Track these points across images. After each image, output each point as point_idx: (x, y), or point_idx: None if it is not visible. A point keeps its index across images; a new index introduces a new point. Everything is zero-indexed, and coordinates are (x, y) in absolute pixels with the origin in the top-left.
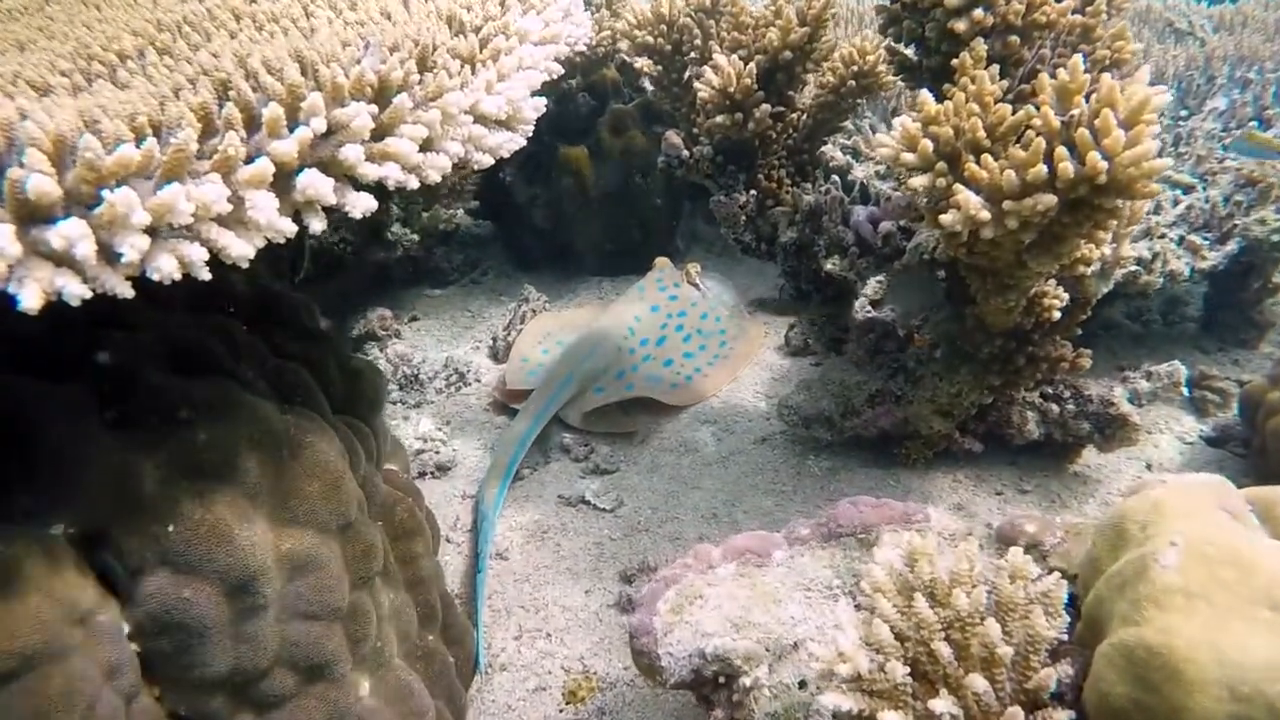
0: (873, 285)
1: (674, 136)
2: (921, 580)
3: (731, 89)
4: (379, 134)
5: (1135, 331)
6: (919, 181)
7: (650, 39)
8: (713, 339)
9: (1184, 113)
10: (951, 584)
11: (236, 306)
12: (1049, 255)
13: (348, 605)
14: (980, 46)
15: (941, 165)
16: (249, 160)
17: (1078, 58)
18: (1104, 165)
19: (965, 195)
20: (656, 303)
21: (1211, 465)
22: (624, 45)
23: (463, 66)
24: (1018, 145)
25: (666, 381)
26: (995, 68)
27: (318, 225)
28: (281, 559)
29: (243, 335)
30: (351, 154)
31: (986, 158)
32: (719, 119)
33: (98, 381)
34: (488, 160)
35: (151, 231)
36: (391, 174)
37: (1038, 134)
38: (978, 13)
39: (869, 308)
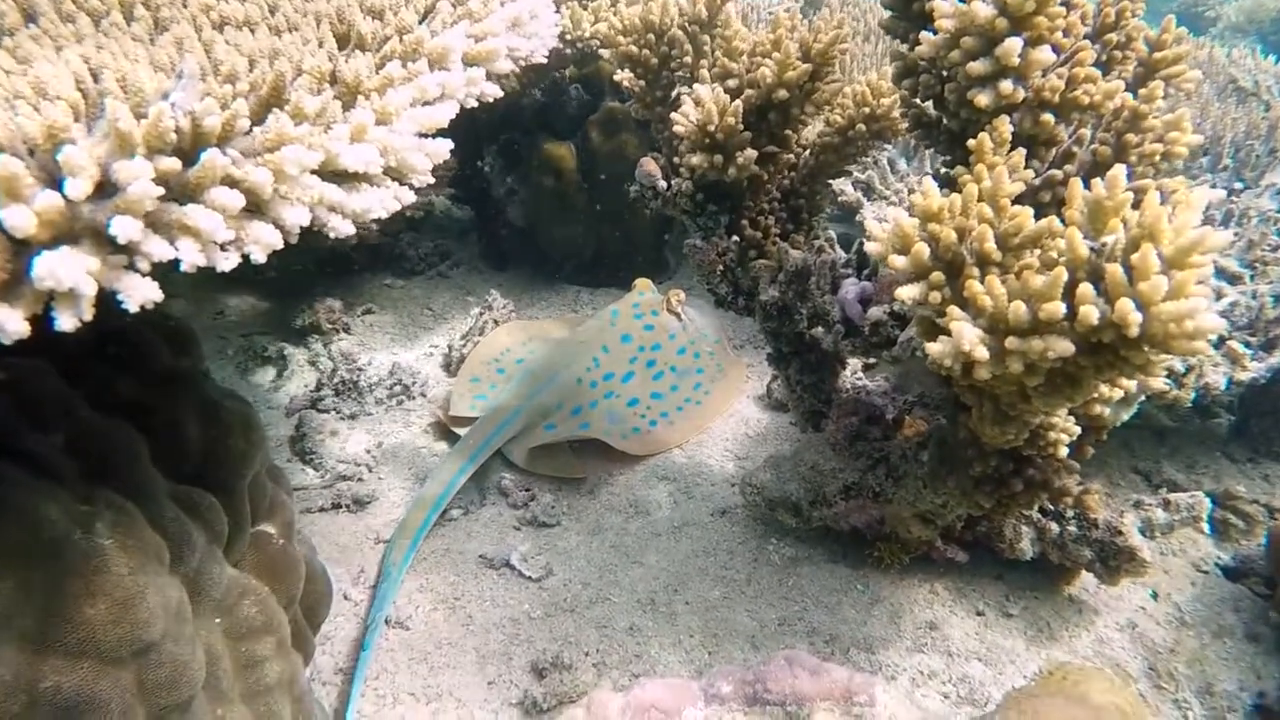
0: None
1: (651, 164)
2: None
3: (712, 127)
4: (183, 194)
5: (1160, 425)
6: (909, 292)
7: (635, 49)
8: (687, 380)
9: (1239, 185)
10: None
11: (60, 345)
12: (1059, 397)
13: None
14: (1004, 127)
15: (938, 275)
16: None
17: (1119, 170)
18: (1136, 317)
19: (960, 326)
20: (629, 331)
21: (1227, 604)
22: (606, 54)
23: (338, 100)
24: (1035, 264)
25: (628, 424)
26: (1021, 152)
27: (67, 323)
28: (39, 699)
29: (49, 388)
30: (125, 229)
31: (993, 278)
32: (696, 158)
33: None
34: (347, 228)
35: None
36: (186, 255)
37: (1059, 259)
38: (1005, 85)
39: (860, 373)
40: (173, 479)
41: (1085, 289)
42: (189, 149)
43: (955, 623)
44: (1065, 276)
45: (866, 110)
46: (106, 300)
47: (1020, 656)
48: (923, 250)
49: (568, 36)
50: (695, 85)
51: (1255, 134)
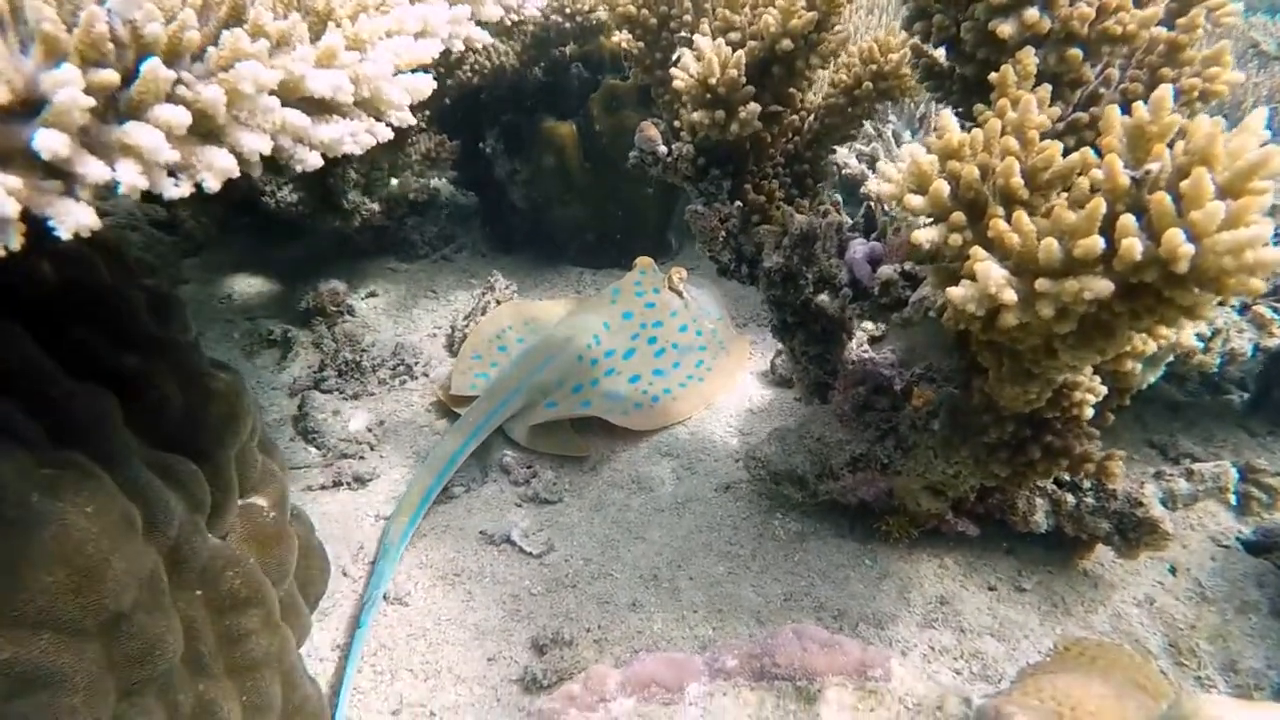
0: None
1: (650, 128)
2: None
3: (714, 80)
4: (126, 113)
5: (1173, 399)
6: (927, 235)
7: (633, 9)
8: (689, 356)
9: None
10: None
11: (38, 303)
12: (1090, 349)
13: None
14: (1029, 59)
15: (959, 216)
16: None
17: (1166, 90)
18: (1188, 249)
19: (985, 266)
20: (630, 309)
21: (1250, 579)
22: (603, 14)
23: (307, 26)
24: (1065, 200)
25: (629, 400)
26: (1046, 88)
27: None
28: None
29: (16, 350)
30: (50, 143)
31: (1021, 214)
32: (697, 115)
33: None
34: (315, 160)
35: None
36: (124, 176)
37: (1095, 190)
38: (1030, 13)
39: (866, 346)
40: (153, 447)
41: (1126, 221)
42: (133, 65)
43: (967, 598)
44: (1103, 209)
45: (874, 68)
46: (86, 259)
47: (1034, 632)
48: (942, 188)
49: (567, 10)
50: (695, 37)
51: (1278, 98)
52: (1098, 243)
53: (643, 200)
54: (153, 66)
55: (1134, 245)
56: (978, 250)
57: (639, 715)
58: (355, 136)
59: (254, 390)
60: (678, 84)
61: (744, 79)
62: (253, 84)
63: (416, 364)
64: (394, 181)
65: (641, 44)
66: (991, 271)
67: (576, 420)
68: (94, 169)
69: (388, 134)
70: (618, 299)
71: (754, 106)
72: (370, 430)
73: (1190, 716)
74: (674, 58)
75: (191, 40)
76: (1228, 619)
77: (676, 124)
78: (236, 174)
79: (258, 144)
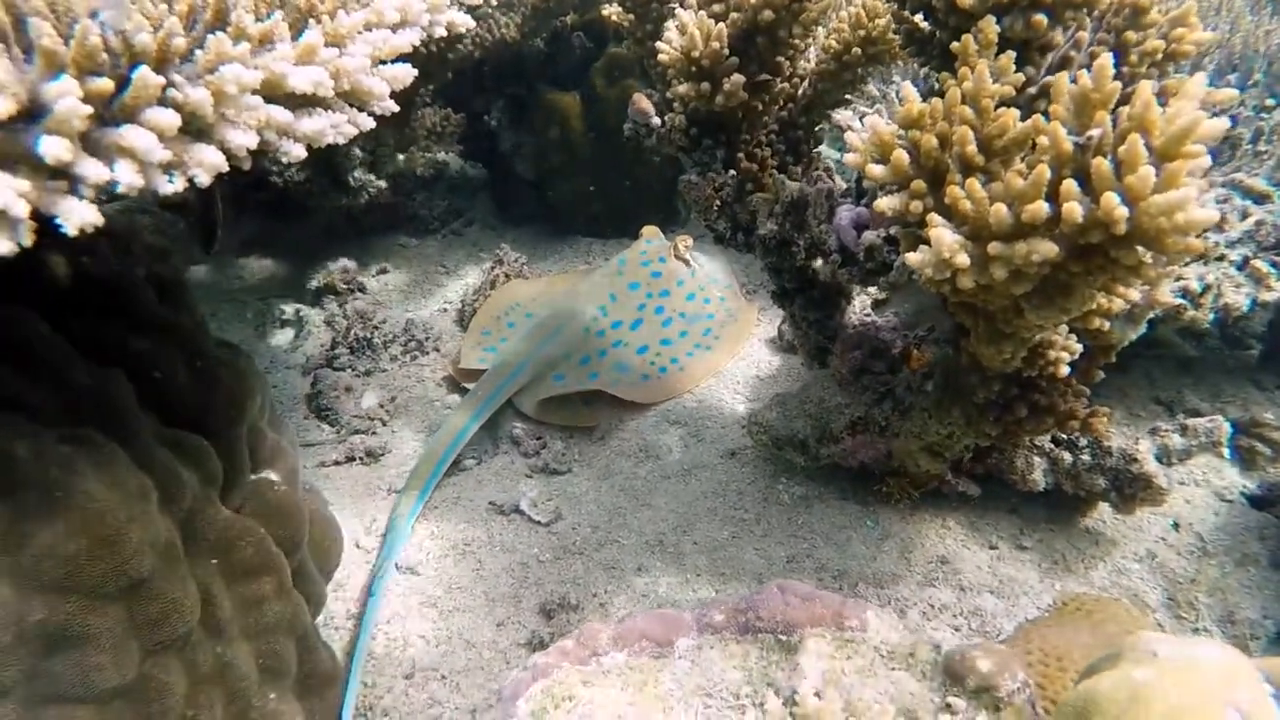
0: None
1: (643, 100)
2: None
3: (697, 53)
4: (121, 117)
5: (1183, 355)
6: (889, 203)
7: None
8: (696, 325)
9: (1270, 101)
10: None
11: (53, 292)
12: (1053, 308)
13: (132, 680)
14: (990, 27)
15: (919, 184)
16: None
17: (1107, 57)
18: (1123, 212)
19: (939, 232)
20: (637, 279)
21: (1252, 533)
22: None
23: (291, 24)
24: (1022, 167)
25: (637, 372)
26: (1010, 55)
27: (3, 246)
28: (27, 633)
29: (33, 333)
30: (53, 149)
31: (973, 181)
32: (682, 88)
33: None
34: (299, 152)
35: None
36: (123, 176)
37: (1042, 157)
38: None
39: (869, 310)
40: (163, 424)
41: (1069, 185)
42: (126, 72)
43: (967, 557)
44: (1048, 175)
45: (862, 33)
46: (95, 249)
47: (1034, 589)
48: (902, 158)
49: None
50: (678, 10)
51: None
52: (1042, 207)
53: (649, 169)
54: (143, 75)
55: (1074, 209)
56: (933, 216)
57: (630, 668)
58: (338, 128)
59: (267, 369)
60: (662, 57)
61: (726, 51)
62: (236, 85)
63: (427, 339)
64: (400, 157)
65: (632, 16)
66: (945, 236)
67: (585, 391)
68: (94, 170)
69: (369, 123)
70: (624, 269)
71: (738, 78)
72: (382, 406)
73: (1129, 648)
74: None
75: (178, 46)
76: (1227, 572)
77: (669, 95)
78: (226, 169)
79: (244, 140)
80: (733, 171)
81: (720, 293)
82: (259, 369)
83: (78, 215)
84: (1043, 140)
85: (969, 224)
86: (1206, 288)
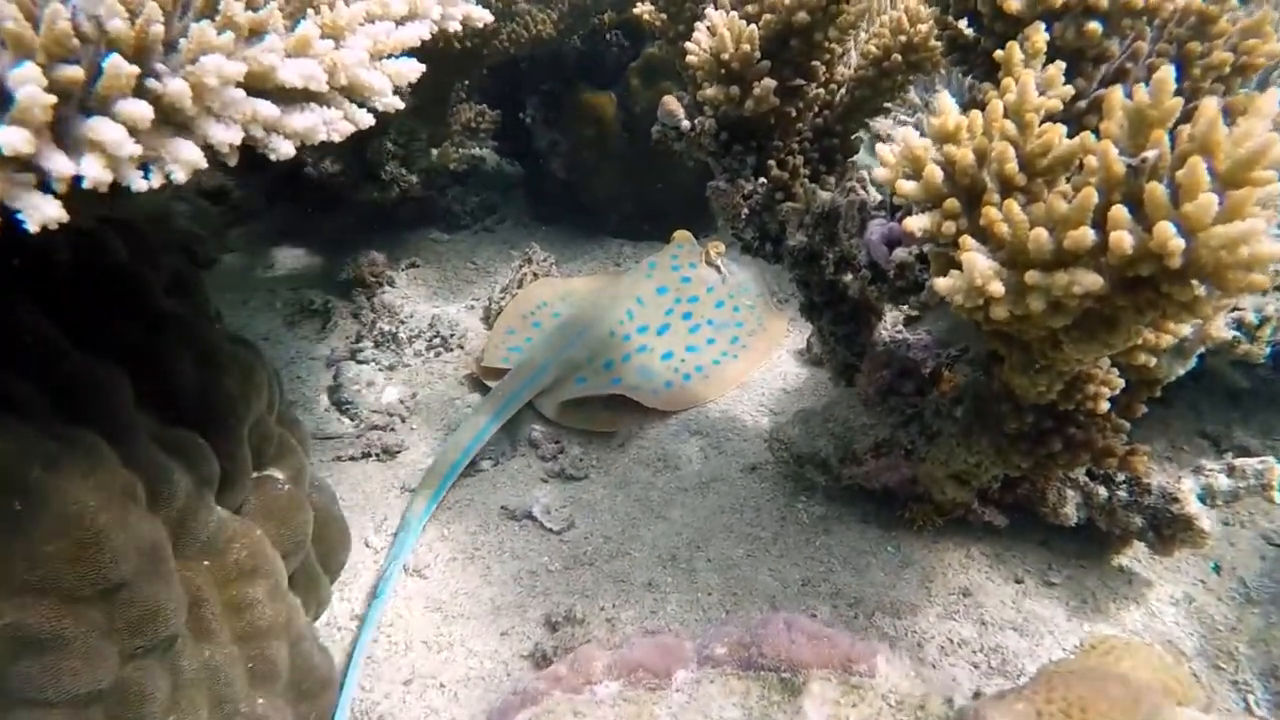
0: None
1: (673, 102)
2: None
3: (726, 55)
4: (96, 107)
5: (1234, 386)
6: (919, 223)
7: None
8: (724, 333)
9: None
10: None
11: (53, 282)
12: (1094, 343)
13: (110, 684)
14: (1038, 35)
15: (952, 204)
16: None
17: (1167, 69)
18: (1178, 244)
19: (971, 256)
20: (665, 284)
21: None
22: None
23: (290, 14)
24: (1067, 188)
25: (660, 378)
26: (1059, 65)
27: None
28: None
29: (25, 326)
30: (12, 140)
31: (1011, 203)
32: (711, 90)
33: None
34: (288, 149)
35: None
36: (89, 171)
37: (1090, 178)
38: None
39: (901, 326)
40: (165, 421)
41: (1119, 212)
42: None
43: (991, 590)
44: (1096, 198)
45: (903, 39)
46: (101, 240)
47: (1060, 628)
48: (935, 174)
49: None
50: (709, 11)
51: None
52: (1087, 234)
53: (683, 172)
54: (114, 63)
55: (1124, 238)
56: (966, 240)
57: (624, 699)
58: (331, 124)
59: (293, 359)
60: (690, 59)
61: (758, 54)
62: (217, 77)
63: (452, 336)
64: (434, 152)
65: (665, 15)
66: (978, 263)
67: (606, 395)
68: (59, 163)
69: (368, 120)
70: (653, 273)
71: (768, 83)
72: (403, 402)
73: None
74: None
75: (157, 34)
76: (1272, 622)
77: (698, 98)
78: (205, 166)
79: (227, 136)
80: (763, 179)
81: (750, 301)
82: (270, 365)
83: (40, 212)
84: (1091, 160)
85: (1005, 249)
86: (1264, 320)
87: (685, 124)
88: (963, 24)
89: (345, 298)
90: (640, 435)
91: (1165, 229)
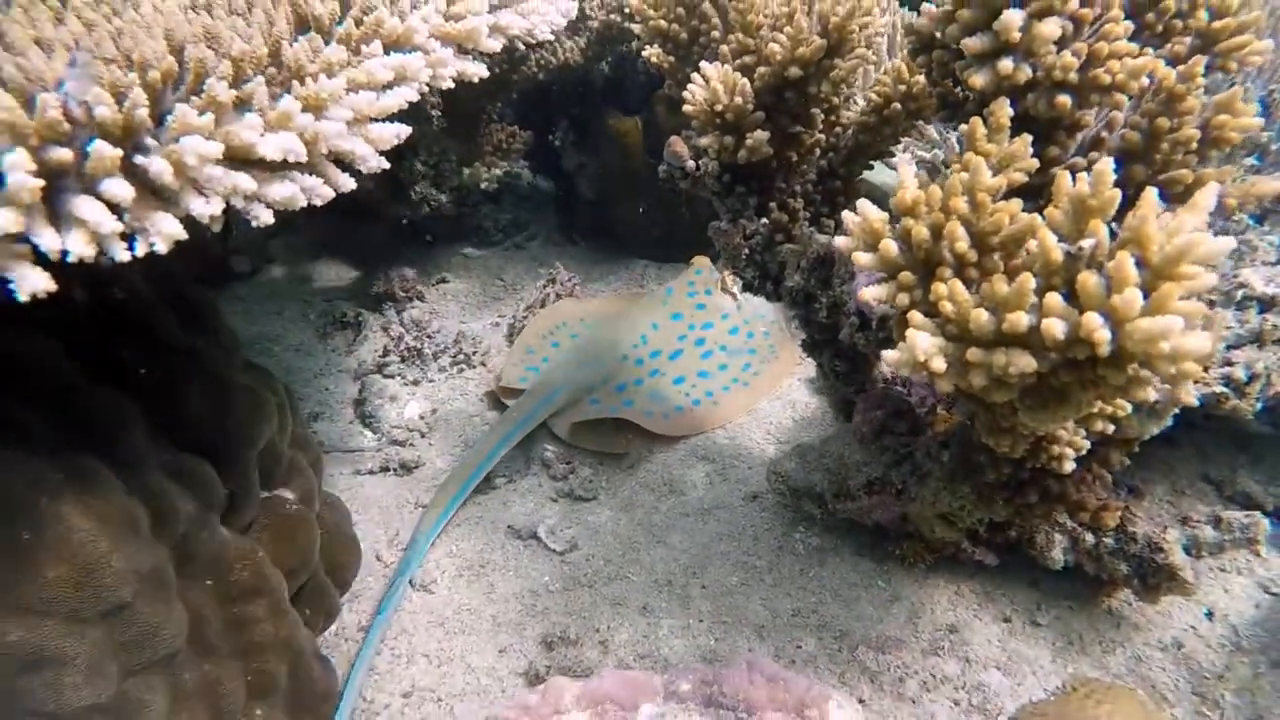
0: None
1: (679, 143)
2: None
3: (720, 106)
4: (85, 184)
5: (1245, 430)
6: (873, 293)
7: (664, 24)
8: (736, 360)
9: None
10: None
11: (68, 316)
12: (1047, 414)
13: (110, 699)
14: (1002, 110)
15: (908, 276)
16: None
17: (1106, 162)
18: (1104, 335)
19: (914, 334)
20: (680, 310)
21: None
22: (636, 28)
23: (277, 86)
24: (1020, 267)
25: (670, 402)
26: (1025, 139)
27: None
28: (3, 651)
29: (37, 357)
30: (2, 221)
31: (955, 282)
32: (705, 139)
33: None
34: (268, 216)
35: None
36: (74, 247)
37: (1033, 264)
38: (1005, 64)
39: None
40: (173, 447)
41: (1053, 300)
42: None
43: (978, 627)
44: (1033, 283)
45: (903, 88)
46: (120, 274)
47: (1044, 668)
48: (890, 248)
49: (626, 10)
50: (702, 63)
51: None
52: (1022, 319)
53: (705, 200)
54: (98, 148)
55: (1054, 326)
56: (914, 315)
57: None
58: (312, 191)
59: (322, 371)
60: (687, 108)
61: (751, 106)
62: (196, 156)
63: (475, 353)
64: (465, 171)
65: (672, 58)
66: (919, 340)
67: (618, 417)
68: (48, 239)
69: (350, 184)
70: (669, 299)
71: (761, 134)
72: (423, 418)
73: None
74: None
75: (141, 118)
76: (1260, 672)
77: (697, 144)
78: (185, 237)
79: (207, 209)
80: (764, 220)
81: (765, 328)
82: (283, 390)
83: (29, 282)
84: (1032, 245)
85: (953, 325)
86: (1254, 376)
87: (690, 164)
88: (949, 83)
89: (377, 311)
90: (649, 459)
91: (1092, 319)
